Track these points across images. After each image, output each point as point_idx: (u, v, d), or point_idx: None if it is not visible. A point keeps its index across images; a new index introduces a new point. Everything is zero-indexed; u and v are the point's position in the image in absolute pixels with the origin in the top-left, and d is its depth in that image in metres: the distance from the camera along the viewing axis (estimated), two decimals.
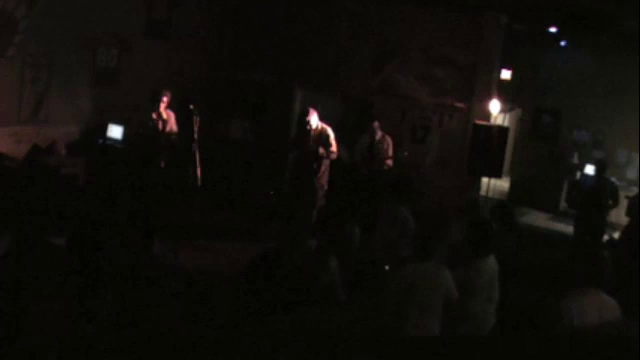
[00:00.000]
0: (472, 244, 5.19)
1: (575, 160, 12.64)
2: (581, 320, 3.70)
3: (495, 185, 10.99)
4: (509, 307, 5.74)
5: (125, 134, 9.13)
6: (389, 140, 9.25)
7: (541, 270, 7.85)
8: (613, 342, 2.60)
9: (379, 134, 9.21)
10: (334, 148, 8.48)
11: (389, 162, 9.23)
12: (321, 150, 8.35)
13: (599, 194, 8.92)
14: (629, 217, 9.05)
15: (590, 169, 11.83)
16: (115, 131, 9.26)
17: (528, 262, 7.14)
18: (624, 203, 9.40)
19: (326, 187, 8.68)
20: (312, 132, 8.47)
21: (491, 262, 5.19)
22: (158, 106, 8.49)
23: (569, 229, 10.86)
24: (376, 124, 9.21)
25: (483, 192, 10.14)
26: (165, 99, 8.51)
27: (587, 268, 3.94)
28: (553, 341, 2.58)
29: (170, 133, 8.58)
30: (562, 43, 12.38)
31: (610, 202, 9.05)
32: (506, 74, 11.97)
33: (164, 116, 8.58)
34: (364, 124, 9.60)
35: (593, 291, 3.85)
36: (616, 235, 9.50)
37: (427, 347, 2.46)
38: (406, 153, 9.79)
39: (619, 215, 9.60)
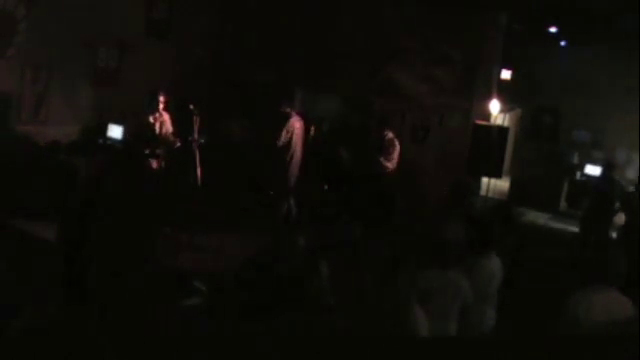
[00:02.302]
0: (473, 243, 5.15)
1: (575, 160, 12.64)
2: (588, 318, 3.71)
3: (495, 185, 10.99)
4: (509, 307, 5.73)
5: (125, 134, 9.13)
6: (396, 143, 9.27)
7: (541, 270, 7.85)
8: (613, 341, 2.60)
9: (389, 135, 9.26)
10: (281, 135, 8.70)
11: (391, 164, 9.25)
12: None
13: (609, 196, 8.89)
14: (624, 213, 9.03)
15: (590, 169, 11.85)
16: (115, 131, 9.26)
17: (528, 262, 7.13)
18: None
19: (297, 175, 8.90)
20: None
21: (493, 261, 5.16)
22: (157, 107, 8.45)
23: (569, 229, 10.86)
24: (390, 134, 9.27)
25: (483, 192, 10.14)
26: (162, 99, 8.46)
27: (599, 267, 3.95)
28: (552, 341, 2.58)
29: (167, 134, 8.53)
30: (562, 43, 12.39)
31: (618, 205, 9.05)
32: (506, 74, 11.98)
33: (162, 117, 8.54)
34: (367, 125, 9.65)
35: (604, 289, 3.87)
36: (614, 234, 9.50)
37: (428, 347, 2.46)
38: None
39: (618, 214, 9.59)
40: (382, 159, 9.06)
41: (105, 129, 9.29)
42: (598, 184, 9.51)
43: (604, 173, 9.56)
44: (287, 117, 8.79)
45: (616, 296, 3.89)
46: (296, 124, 8.82)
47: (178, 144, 8.35)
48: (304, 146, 8.99)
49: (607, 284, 3.90)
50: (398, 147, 9.18)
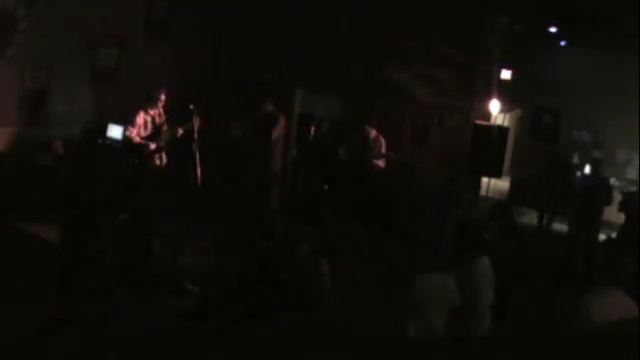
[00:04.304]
0: (465, 245, 5.11)
1: (575, 160, 12.64)
2: (602, 319, 3.74)
3: (495, 185, 10.99)
4: (509, 307, 5.73)
5: (125, 134, 9.12)
6: (382, 140, 9.32)
7: (541, 270, 7.85)
8: (616, 341, 2.60)
9: (373, 133, 9.30)
10: (275, 131, 8.80)
11: (380, 162, 9.29)
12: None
13: (595, 193, 8.88)
14: (624, 213, 9.02)
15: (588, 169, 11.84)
16: (115, 131, 9.25)
17: (528, 262, 7.13)
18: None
19: (278, 171, 9.07)
20: (264, 118, 8.92)
21: (485, 261, 5.16)
22: (156, 105, 8.43)
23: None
24: (374, 132, 9.32)
25: (483, 192, 10.14)
26: (162, 97, 8.45)
27: (608, 268, 3.98)
28: (552, 341, 2.58)
29: (165, 134, 8.49)
30: (562, 43, 12.40)
31: (605, 201, 9.03)
32: (506, 74, 11.97)
33: (162, 116, 8.52)
34: (360, 123, 9.69)
35: (614, 290, 3.89)
36: (614, 234, 9.49)
37: (427, 347, 2.46)
38: (392, 153, 9.70)
39: (618, 214, 9.57)
40: (371, 158, 9.14)
41: (105, 129, 9.29)
42: (584, 182, 9.48)
43: (592, 172, 9.52)
44: (275, 115, 8.85)
45: (622, 296, 3.91)
46: (284, 122, 8.90)
47: (168, 138, 8.36)
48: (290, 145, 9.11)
49: (614, 285, 3.92)
50: (384, 142, 9.28)
